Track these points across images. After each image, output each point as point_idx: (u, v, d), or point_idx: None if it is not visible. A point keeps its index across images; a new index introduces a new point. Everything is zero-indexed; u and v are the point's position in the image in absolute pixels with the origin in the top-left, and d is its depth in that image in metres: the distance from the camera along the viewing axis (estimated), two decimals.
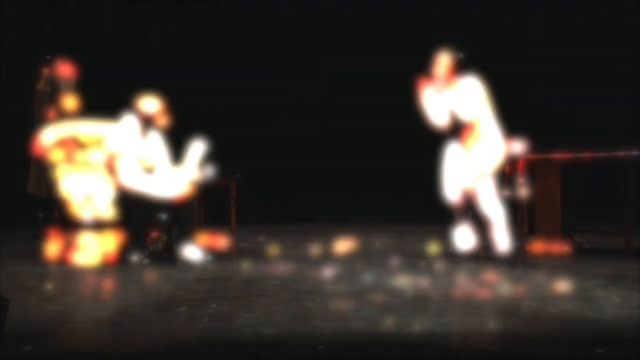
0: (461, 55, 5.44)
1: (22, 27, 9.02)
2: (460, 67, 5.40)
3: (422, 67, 6.64)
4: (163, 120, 5.55)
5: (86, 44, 9.20)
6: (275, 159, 9.72)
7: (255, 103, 9.56)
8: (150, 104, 5.48)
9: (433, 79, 5.43)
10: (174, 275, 4.66)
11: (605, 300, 3.67)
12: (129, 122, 5.45)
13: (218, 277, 4.56)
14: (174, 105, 7.99)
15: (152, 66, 9.13)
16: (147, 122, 5.45)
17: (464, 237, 5.67)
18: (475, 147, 5.43)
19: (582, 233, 6.36)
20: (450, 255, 5.61)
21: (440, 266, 5.05)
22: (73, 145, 5.79)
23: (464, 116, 5.36)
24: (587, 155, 5.91)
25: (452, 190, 5.62)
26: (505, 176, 6.09)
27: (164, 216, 5.54)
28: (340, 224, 8.95)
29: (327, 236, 7.35)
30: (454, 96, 5.42)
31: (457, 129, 5.50)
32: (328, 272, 4.75)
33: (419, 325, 3.11)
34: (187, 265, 5.12)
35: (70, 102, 7.27)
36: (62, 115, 7.20)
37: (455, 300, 3.77)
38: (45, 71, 7.41)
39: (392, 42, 9.55)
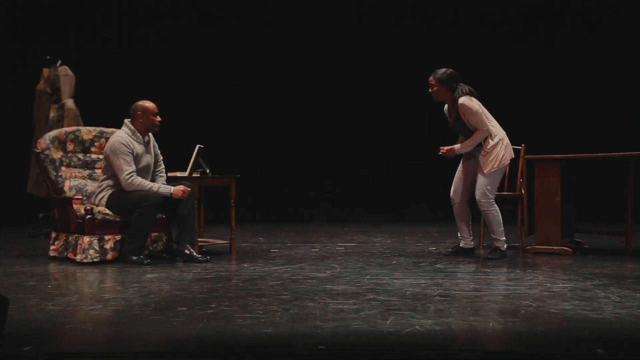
0: (450, 70, 5.43)
1: (22, 27, 9.02)
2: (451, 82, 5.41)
3: (422, 68, 6.66)
4: (161, 120, 5.55)
5: (86, 44, 9.21)
6: (275, 159, 9.73)
7: (255, 103, 9.57)
8: (149, 104, 5.47)
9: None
10: (174, 275, 4.66)
11: (605, 300, 3.67)
12: (128, 122, 5.45)
13: (218, 277, 4.56)
14: (174, 106, 8.01)
15: (151, 66, 9.15)
16: (146, 122, 5.44)
17: (464, 237, 5.68)
18: (477, 148, 5.44)
19: (582, 233, 6.37)
20: (450, 255, 5.61)
21: (440, 266, 5.05)
22: (73, 145, 5.79)
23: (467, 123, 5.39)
24: (587, 154, 5.91)
25: (454, 190, 5.63)
26: (506, 176, 6.10)
27: (164, 216, 5.54)
28: (340, 223, 8.95)
29: (327, 236, 7.36)
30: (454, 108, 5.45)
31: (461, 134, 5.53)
32: (328, 271, 4.75)
33: (419, 325, 3.11)
34: (187, 265, 5.12)
35: (70, 102, 7.28)
36: (62, 115, 7.21)
37: (455, 300, 3.77)
38: (45, 71, 7.42)
39: (393, 42, 9.55)
